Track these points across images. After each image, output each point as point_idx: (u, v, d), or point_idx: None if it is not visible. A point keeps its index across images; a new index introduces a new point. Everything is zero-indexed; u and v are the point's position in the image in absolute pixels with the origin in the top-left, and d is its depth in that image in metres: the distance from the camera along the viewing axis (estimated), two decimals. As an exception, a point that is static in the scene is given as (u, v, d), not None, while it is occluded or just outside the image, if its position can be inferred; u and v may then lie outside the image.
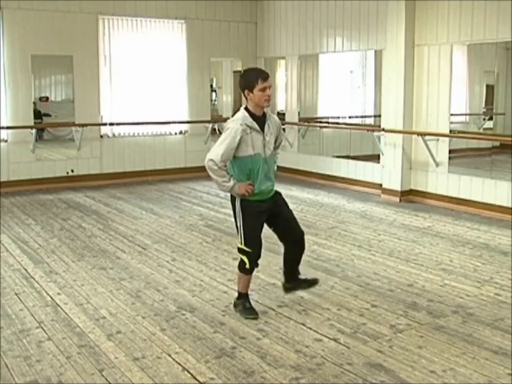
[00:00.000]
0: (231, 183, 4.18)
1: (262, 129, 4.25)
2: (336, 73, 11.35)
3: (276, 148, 4.50)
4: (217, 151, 4.14)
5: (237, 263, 5.71)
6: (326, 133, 10.99)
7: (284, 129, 11.24)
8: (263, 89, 4.15)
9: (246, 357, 3.75)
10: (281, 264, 5.55)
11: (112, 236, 6.85)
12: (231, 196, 4.35)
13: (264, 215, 4.35)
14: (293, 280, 4.63)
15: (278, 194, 4.48)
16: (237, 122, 4.19)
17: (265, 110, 4.32)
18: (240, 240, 4.34)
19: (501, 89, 9.00)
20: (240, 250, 4.36)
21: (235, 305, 4.51)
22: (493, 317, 4.43)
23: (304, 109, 11.19)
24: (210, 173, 4.19)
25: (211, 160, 4.14)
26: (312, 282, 4.69)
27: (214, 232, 7.04)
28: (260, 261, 4.42)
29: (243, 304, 4.45)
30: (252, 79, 4.18)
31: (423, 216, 7.94)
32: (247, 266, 4.34)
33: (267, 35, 11.59)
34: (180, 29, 11.04)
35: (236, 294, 4.55)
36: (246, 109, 4.26)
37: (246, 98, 4.25)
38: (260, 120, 4.25)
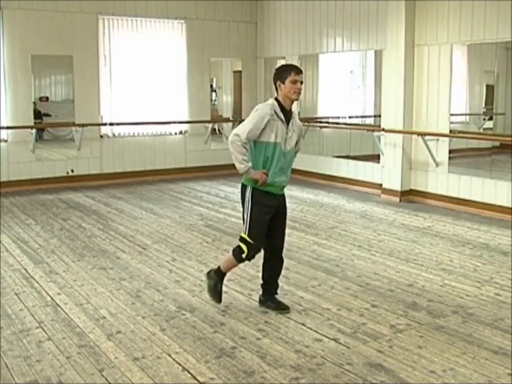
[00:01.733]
0: (250, 163, 4.26)
1: (288, 122, 4.35)
2: (336, 73, 11.35)
3: (295, 151, 4.57)
4: (244, 128, 4.25)
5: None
6: (326, 133, 10.99)
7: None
8: (294, 82, 4.26)
9: (246, 357, 3.75)
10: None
11: (112, 236, 6.85)
12: (242, 185, 4.42)
13: (271, 210, 4.37)
14: (267, 295, 4.60)
15: (284, 197, 4.53)
16: (267, 106, 4.31)
17: (292, 108, 4.41)
18: (244, 229, 4.38)
19: (501, 89, 9.01)
20: (242, 239, 4.37)
21: (208, 276, 4.57)
22: (493, 317, 4.43)
23: (304, 109, 11.19)
24: (232, 149, 4.23)
25: (236, 135, 4.23)
26: (282, 308, 4.53)
27: (214, 232, 7.04)
28: (257, 255, 4.44)
29: (215, 283, 4.50)
30: (286, 71, 4.32)
31: (423, 216, 7.94)
32: (244, 256, 4.36)
33: (267, 35, 11.59)
34: (180, 29, 11.04)
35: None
36: (276, 99, 4.36)
37: (277, 89, 4.34)
38: (286, 113, 4.34)
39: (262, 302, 4.63)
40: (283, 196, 4.52)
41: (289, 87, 4.27)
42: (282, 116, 4.30)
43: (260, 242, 4.36)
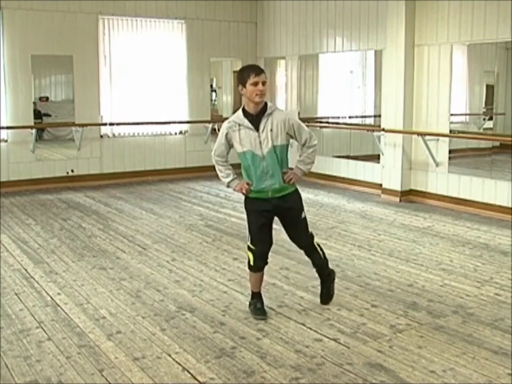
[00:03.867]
0: (228, 178, 4.31)
1: (257, 126, 4.19)
2: (336, 73, 11.35)
3: (303, 145, 4.36)
4: (214, 146, 4.38)
5: (237, 263, 5.73)
6: (326, 133, 10.98)
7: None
8: (255, 84, 4.11)
9: (246, 357, 3.75)
10: (281, 264, 5.55)
11: (112, 236, 6.85)
12: None
13: (268, 215, 4.32)
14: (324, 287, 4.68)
15: (293, 197, 4.40)
16: (227, 121, 4.32)
17: (268, 105, 4.24)
18: (247, 237, 4.40)
19: (501, 89, 9.00)
20: (247, 248, 4.40)
21: (249, 305, 4.53)
22: (493, 317, 4.43)
23: (304, 109, 11.19)
24: (215, 165, 4.40)
25: (212, 154, 4.39)
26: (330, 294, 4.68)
27: (214, 232, 7.04)
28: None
29: (254, 304, 4.47)
30: (245, 74, 4.19)
31: (423, 216, 7.94)
32: (252, 263, 4.37)
33: (267, 35, 11.59)
34: (180, 29, 11.04)
35: (236, 295, 4.57)
36: (243, 107, 4.29)
37: (242, 95, 4.29)
38: (255, 116, 4.20)
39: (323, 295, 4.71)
40: (283, 197, 4.32)
41: (251, 91, 4.12)
42: (246, 123, 4.18)
43: (261, 247, 4.33)
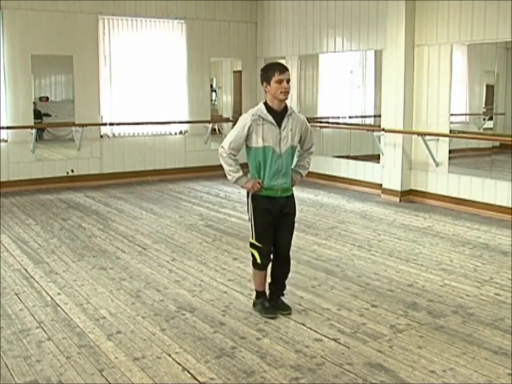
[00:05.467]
0: (238, 174, 4.25)
1: (279, 123, 4.25)
2: (336, 73, 11.35)
3: (305, 150, 4.48)
4: (227, 139, 4.27)
5: (237, 263, 5.73)
6: (326, 133, 10.98)
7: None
8: (280, 81, 4.16)
9: (246, 357, 3.75)
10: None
11: (112, 236, 6.85)
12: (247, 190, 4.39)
13: (273, 213, 4.33)
14: (272, 298, 4.53)
15: (292, 199, 4.47)
16: (249, 113, 4.27)
17: (288, 106, 4.33)
18: (251, 234, 4.38)
19: (501, 89, 9.00)
20: (251, 245, 4.38)
21: (254, 305, 4.53)
22: (493, 317, 4.43)
23: (304, 109, 11.18)
24: (220, 161, 4.30)
25: (221, 147, 4.29)
26: (284, 309, 4.50)
27: (214, 232, 7.04)
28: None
29: (262, 303, 4.46)
30: (269, 71, 4.23)
31: (423, 216, 7.94)
32: (258, 261, 4.35)
33: (267, 35, 11.59)
34: (180, 29, 11.04)
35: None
36: (265, 102, 4.30)
37: (266, 92, 4.27)
38: (278, 113, 4.25)
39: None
40: (288, 198, 4.41)
41: (275, 88, 4.18)
42: (270, 118, 4.22)
43: (268, 244, 4.34)
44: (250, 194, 4.35)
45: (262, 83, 4.30)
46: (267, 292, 4.54)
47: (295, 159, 4.50)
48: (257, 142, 4.23)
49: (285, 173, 4.32)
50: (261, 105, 4.28)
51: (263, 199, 4.31)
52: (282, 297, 4.58)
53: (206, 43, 11.26)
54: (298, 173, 4.50)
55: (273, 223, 4.36)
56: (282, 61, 11.50)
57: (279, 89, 4.18)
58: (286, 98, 4.26)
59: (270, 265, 4.47)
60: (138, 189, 10.02)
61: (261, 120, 4.22)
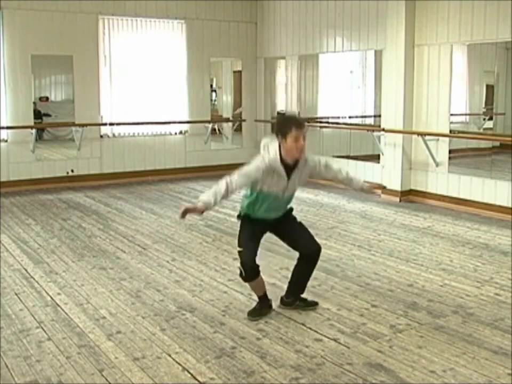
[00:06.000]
0: (211, 201, 3.95)
1: (290, 175, 4.11)
2: (336, 73, 11.35)
3: (323, 167, 4.35)
4: (238, 177, 4.02)
5: (237, 263, 5.73)
6: (326, 133, 10.98)
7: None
8: (296, 140, 3.97)
9: (246, 357, 3.75)
10: (281, 264, 5.55)
11: (112, 236, 6.85)
12: (237, 216, 4.38)
13: (263, 231, 4.34)
14: (292, 296, 4.56)
15: (289, 213, 4.45)
16: (264, 161, 4.05)
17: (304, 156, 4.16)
18: (237, 243, 4.35)
19: (501, 89, 9.00)
20: (238, 253, 4.32)
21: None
22: (493, 317, 4.43)
23: (304, 109, 11.18)
24: (221, 184, 3.98)
25: (231, 181, 4.00)
26: (310, 304, 4.57)
27: (214, 232, 7.04)
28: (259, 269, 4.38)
29: (255, 306, 4.48)
30: (285, 127, 4.02)
31: (423, 216, 7.94)
32: (242, 270, 4.27)
33: (267, 35, 11.59)
34: (180, 29, 11.03)
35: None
36: (280, 152, 4.06)
37: (279, 144, 4.06)
38: (290, 166, 4.10)
39: (287, 303, 4.58)
40: (283, 217, 4.37)
41: (291, 145, 3.97)
42: (283, 173, 4.07)
43: (249, 250, 4.21)
44: (242, 213, 4.32)
45: (276, 135, 4.07)
46: (268, 294, 4.53)
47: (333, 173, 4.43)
48: (261, 187, 4.12)
49: (281, 209, 4.30)
50: (276, 157, 4.05)
51: (252, 221, 4.28)
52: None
53: (206, 43, 11.25)
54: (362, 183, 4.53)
55: (260, 239, 4.32)
56: (282, 61, 11.54)
57: (294, 148, 3.98)
58: (302, 157, 4.08)
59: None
60: (138, 189, 10.02)
61: (272, 172, 4.05)
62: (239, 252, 4.30)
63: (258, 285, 4.41)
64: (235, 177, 4.00)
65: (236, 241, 4.42)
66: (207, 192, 3.98)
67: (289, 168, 4.11)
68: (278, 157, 4.05)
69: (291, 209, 4.46)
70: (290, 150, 4.02)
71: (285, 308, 4.56)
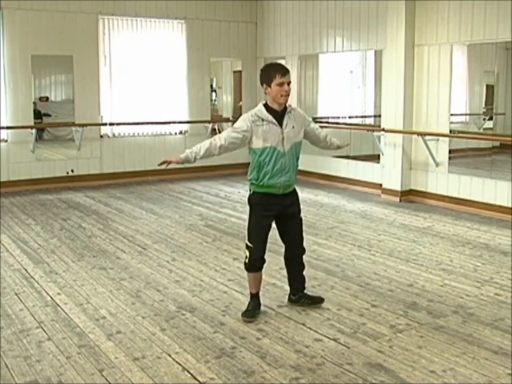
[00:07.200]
0: (184, 155, 4.37)
1: (281, 122, 4.21)
2: (336, 73, 11.35)
3: (323, 139, 4.56)
4: (222, 135, 4.27)
5: (237, 263, 5.73)
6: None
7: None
8: (281, 84, 4.11)
9: (246, 357, 3.75)
10: (281, 264, 5.55)
11: (112, 236, 6.85)
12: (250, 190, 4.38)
13: (271, 214, 4.32)
14: (297, 292, 4.60)
15: (295, 197, 4.46)
16: (248, 114, 4.23)
17: (287, 104, 4.26)
18: (246, 235, 4.39)
19: (501, 89, 9.00)
20: (246, 246, 4.37)
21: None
22: (493, 317, 4.43)
23: (304, 109, 11.10)
24: (206, 144, 4.31)
25: (217, 138, 4.27)
26: (316, 301, 4.61)
27: (214, 232, 7.04)
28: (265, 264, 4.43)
29: (248, 305, 4.47)
30: (270, 73, 4.16)
31: (423, 216, 7.94)
32: (246, 260, 4.34)
33: (267, 35, 11.59)
34: (180, 29, 11.04)
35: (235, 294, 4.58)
36: (264, 104, 4.24)
37: (265, 93, 4.22)
38: (278, 113, 4.21)
39: (294, 300, 4.61)
40: (290, 195, 4.39)
41: (276, 91, 4.13)
42: (271, 118, 4.18)
43: (259, 247, 4.30)
44: (252, 191, 4.33)
45: (261, 84, 4.24)
46: (260, 293, 4.54)
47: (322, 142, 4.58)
48: (257, 143, 4.19)
49: (288, 171, 4.28)
50: (261, 107, 4.24)
51: (263, 196, 4.28)
52: (305, 291, 4.63)
53: (206, 43, 11.26)
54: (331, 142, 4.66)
55: (270, 226, 4.34)
56: (282, 61, 11.51)
57: (279, 93, 4.13)
58: (287, 101, 4.23)
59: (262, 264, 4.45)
60: (138, 189, 10.02)
61: (261, 121, 4.17)
62: (248, 246, 4.32)
63: (256, 280, 4.45)
64: (223, 133, 4.25)
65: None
66: (193, 147, 4.29)
67: (278, 116, 4.20)
68: (263, 108, 4.21)
69: (295, 189, 4.47)
70: (275, 96, 4.15)
71: (293, 305, 4.60)
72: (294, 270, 4.59)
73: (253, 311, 4.42)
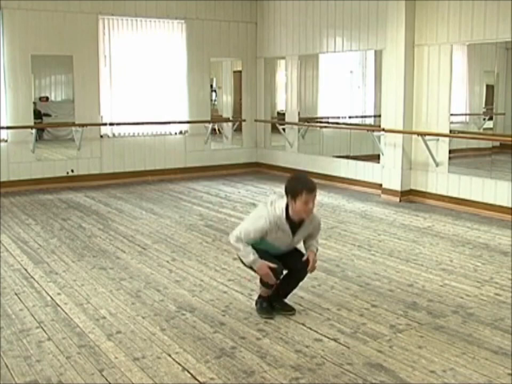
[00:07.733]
0: (251, 257, 4.15)
1: (294, 232, 4.20)
2: (336, 73, 11.35)
3: (312, 243, 4.42)
4: (241, 229, 4.18)
5: (237, 263, 5.72)
6: (326, 133, 10.99)
7: (284, 130, 11.34)
8: (306, 203, 4.04)
9: (246, 357, 3.75)
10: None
11: (112, 236, 6.85)
12: None
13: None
14: (276, 300, 4.53)
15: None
16: (267, 219, 4.11)
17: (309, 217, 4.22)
18: None
19: (501, 89, 9.01)
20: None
21: (256, 303, 4.55)
22: (493, 317, 4.43)
23: (304, 109, 11.19)
24: (238, 253, 4.29)
25: (239, 239, 4.16)
26: (287, 309, 4.51)
27: (214, 232, 7.04)
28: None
29: (260, 303, 4.48)
30: (297, 188, 4.05)
31: (423, 216, 7.94)
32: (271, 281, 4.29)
33: (267, 35, 11.59)
34: (180, 29, 11.04)
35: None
36: (286, 209, 4.13)
37: (288, 203, 4.12)
38: (295, 224, 4.18)
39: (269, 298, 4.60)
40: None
41: (300, 208, 4.05)
42: (287, 228, 4.15)
43: (272, 261, 4.23)
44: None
45: (286, 194, 4.11)
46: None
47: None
48: (267, 239, 4.18)
49: (284, 252, 4.34)
50: (282, 214, 4.11)
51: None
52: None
53: (206, 43, 11.26)
54: (311, 250, 4.41)
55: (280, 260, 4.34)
56: (282, 61, 11.54)
57: (303, 210, 4.07)
58: (309, 218, 4.18)
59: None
60: (138, 189, 10.02)
61: (277, 228, 4.13)
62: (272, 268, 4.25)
63: (270, 290, 4.46)
64: (243, 235, 4.13)
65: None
66: (242, 256, 4.22)
67: (295, 226, 4.19)
68: (284, 215, 4.12)
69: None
70: (298, 212, 4.10)
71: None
72: (289, 284, 4.51)
73: (269, 307, 4.45)
